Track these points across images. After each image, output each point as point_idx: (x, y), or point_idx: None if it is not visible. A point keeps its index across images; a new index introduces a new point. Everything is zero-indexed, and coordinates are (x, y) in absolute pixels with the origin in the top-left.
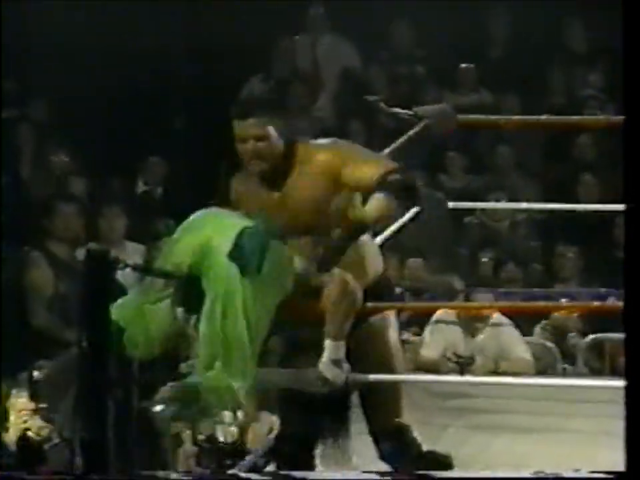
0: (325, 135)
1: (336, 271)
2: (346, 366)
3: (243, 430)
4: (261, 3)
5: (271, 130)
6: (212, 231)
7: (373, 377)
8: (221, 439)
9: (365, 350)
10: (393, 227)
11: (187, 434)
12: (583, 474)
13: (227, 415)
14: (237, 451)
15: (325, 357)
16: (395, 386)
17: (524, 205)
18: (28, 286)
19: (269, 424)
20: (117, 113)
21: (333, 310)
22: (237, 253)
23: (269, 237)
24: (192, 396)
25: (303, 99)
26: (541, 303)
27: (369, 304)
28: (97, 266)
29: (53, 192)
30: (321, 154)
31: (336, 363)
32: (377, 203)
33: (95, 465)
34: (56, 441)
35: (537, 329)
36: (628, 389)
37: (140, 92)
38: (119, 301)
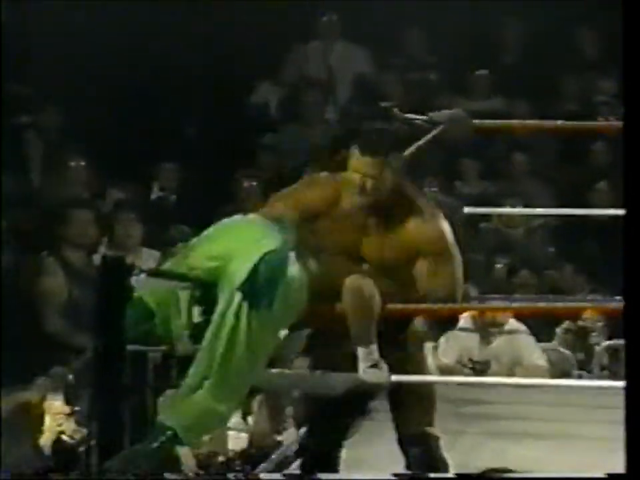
0: (336, 142)
1: (349, 278)
2: (384, 366)
3: (252, 436)
4: (274, 10)
5: (385, 171)
6: (233, 248)
7: (396, 377)
8: (230, 446)
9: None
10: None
11: (184, 453)
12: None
13: (237, 421)
14: (246, 457)
15: (362, 364)
16: (428, 393)
17: (539, 211)
18: (42, 292)
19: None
20: (131, 119)
21: (353, 317)
22: (248, 288)
23: (286, 264)
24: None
25: (315, 106)
26: (559, 305)
27: (390, 305)
28: (112, 272)
29: (67, 198)
30: (413, 226)
31: (374, 366)
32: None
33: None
34: (90, 444)
35: (558, 332)
36: (628, 392)
37: (154, 98)
38: (149, 280)
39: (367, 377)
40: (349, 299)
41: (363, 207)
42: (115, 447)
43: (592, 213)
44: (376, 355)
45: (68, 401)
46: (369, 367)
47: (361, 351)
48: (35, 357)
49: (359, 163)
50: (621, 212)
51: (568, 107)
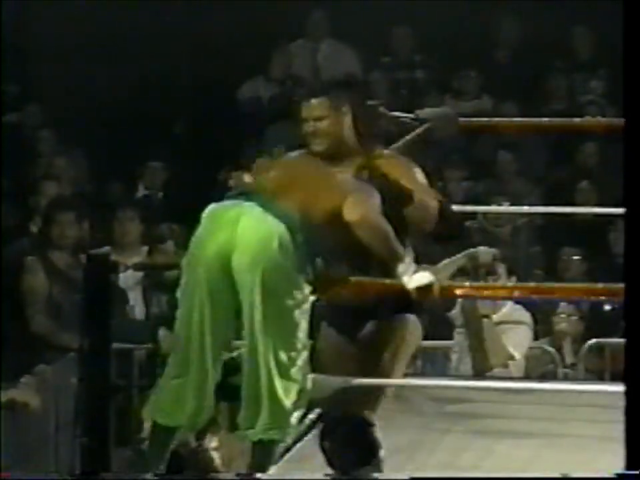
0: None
1: (354, 213)
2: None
3: None
4: (263, 8)
5: (330, 111)
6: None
7: (360, 380)
8: None
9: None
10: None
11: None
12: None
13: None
14: None
15: (405, 277)
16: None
17: (525, 209)
18: (26, 291)
19: None
20: (117, 118)
21: (378, 243)
22: None
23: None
24: None
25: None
26: (546, 285)
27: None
28: (98, 270)
29: (52, 198)
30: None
31: (416, 272)
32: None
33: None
34: (193, 445)
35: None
36: (628, 393)
37: (140, 96)
38: None
39: (416, 282)
40: (364, 232)
41: (323, 152)
42: (101, 446)
43: (578, 211)
44: (412, 264)
45: None
46: (413, 273)
47: (400, 267)
48: (20, 356)
49: (305, 111)
50: (604, 210)
51: (555, 107)
